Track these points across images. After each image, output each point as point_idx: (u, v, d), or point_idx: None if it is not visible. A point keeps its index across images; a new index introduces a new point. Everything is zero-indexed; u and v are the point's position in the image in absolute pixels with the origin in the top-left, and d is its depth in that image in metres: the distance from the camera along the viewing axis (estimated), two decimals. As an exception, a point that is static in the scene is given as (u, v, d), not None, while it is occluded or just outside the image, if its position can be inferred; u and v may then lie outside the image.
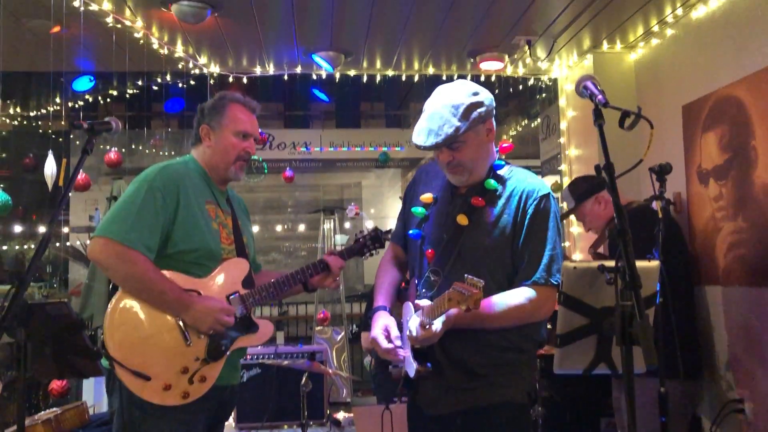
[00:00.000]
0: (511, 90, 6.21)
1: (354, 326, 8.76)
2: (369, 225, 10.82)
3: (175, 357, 2.28)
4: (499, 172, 2.27)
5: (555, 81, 5.85)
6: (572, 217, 5.37)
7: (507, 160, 2.35)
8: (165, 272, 2.30)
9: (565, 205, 3.98)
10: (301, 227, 12.07)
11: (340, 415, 5.13)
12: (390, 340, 2.21)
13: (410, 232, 2.37)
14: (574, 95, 5.49)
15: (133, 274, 2.25)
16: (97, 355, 1.94)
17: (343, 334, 7.88)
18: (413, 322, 2.09)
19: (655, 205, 2.76)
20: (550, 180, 6.12)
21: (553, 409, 4.03)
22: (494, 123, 2.26)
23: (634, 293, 1.48)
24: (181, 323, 2.29)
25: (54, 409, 3.32)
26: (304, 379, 3.70)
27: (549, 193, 2.22)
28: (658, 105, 4.56)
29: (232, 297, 2.42)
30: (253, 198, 11.32)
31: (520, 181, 2.24)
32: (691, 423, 3.80)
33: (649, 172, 2.95)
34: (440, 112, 2.15)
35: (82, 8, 3.89)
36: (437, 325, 2.01)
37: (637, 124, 1.66)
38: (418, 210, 2.35)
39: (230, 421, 4.93)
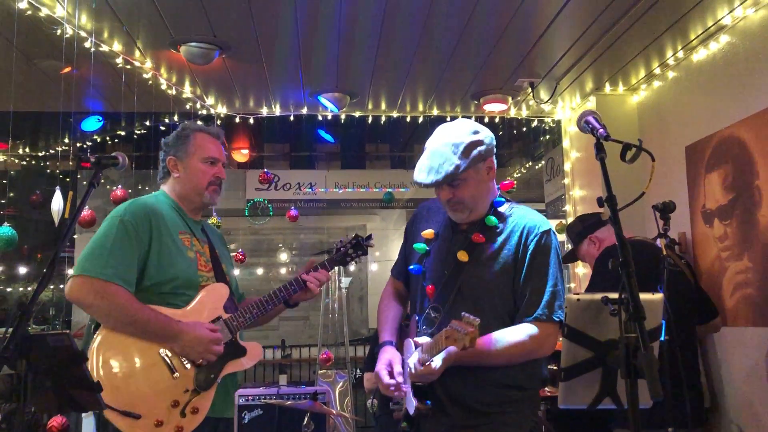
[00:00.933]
0: (514, 132, 6.27)
1: (358, 370, 8.67)
2: (374, 267, 10.81)
3: (164, 391, 2.23)
4: (499, 208, 2.28)
5: (558, 123, 5.91)
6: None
7: (508, 198, 2.36)
8: None
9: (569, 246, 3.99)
10: (308, 270, 12.00)
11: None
12: (392, 376, 2.19)
13: (411, 267, 2.37)
14: (578, 136, 5.60)
15: (114, 308, 2.22)
16: (98, 388, 1.91)
17: (346, 377, 7.79)
18: (413, 359, 2.08)
19: (660, 243, 2.75)
20: (554, 222, 6.12)
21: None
22: (495, 161, 2.28)
23: (638, 325, 1.47)
24: (164, 355, 2.25)
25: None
26: (306, 419, 3.65)
27: (550, 229, 2.22)
28: (662, 146, 4.58)
29: (215, 323, 2.37)
30: (257, 240, 11.35)
31: (521, 217, 2.25)
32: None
33: (653, 210, 2.95)
34: (441, 150, 2.17)
35: (93, 49, 3.96)
36: (437, 362, 1.99)
37: (639, 156, 1.67)
38: (420, 246, 2.35)
39: (231, 464, 4.85)
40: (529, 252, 2.17)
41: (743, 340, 3.73)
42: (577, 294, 1.62)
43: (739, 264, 3.79)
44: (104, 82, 4.66)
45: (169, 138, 2.60)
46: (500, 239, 2.21)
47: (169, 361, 2.26)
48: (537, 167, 7.66)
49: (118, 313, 2.22)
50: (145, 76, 4.57)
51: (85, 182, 7.43)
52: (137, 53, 4.34)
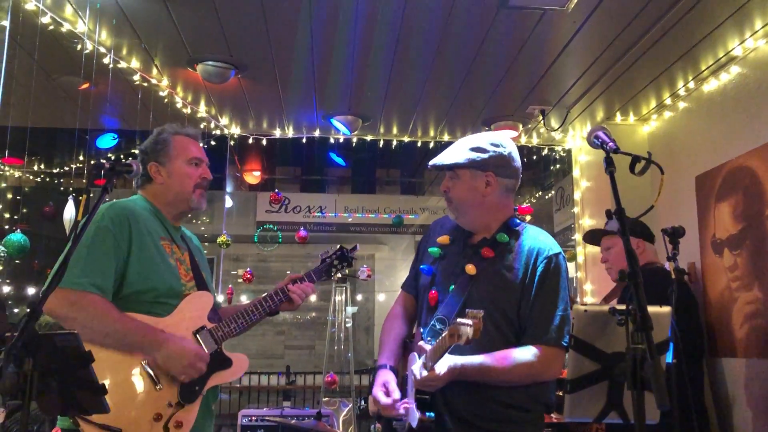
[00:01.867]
0: (525, 160, 6.24)
1: (362, 401, 8.60)
2: (381, 297, 10.78)
3: (146, 404, 2.12)
4: (512, 227, 2.27)
5: (569, 152, 5.93)
6: (583, 275, 5.35)
7: (524, 220, 2.38)
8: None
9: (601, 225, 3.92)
10: (313, 298, 12.01)
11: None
12: (388, 395, 2.18)
13: (422, 266, 2.36)
14: (589, 166, 5.61)
15: (92, 319, 2.10)
16: (102, 391, 1.89)
17: (350, 406, 7.72)
18: (417, 366, 2.06)
19: (668, 266, 2.74)
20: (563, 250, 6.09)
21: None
22: (498, 182, 2.23)
23: (645, 334, 1.46)
24: (147, 366, 2.14)
25: (54, 458, 3.25)
26: (309, 440, 3.62)
27: (560, 253, 2.21)
28: (672, 176, 4.59)
29: (200, 333, 2.29)
30: (265, 266, 11.37)
31: (532, 238, 2.24)
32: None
33: (662, 234, 2.95)
34: (457, 144, 2.29)
35: (111, 65, 4.04)
36: (441, 367, 1.98)
37: (648, 169, 1.68)
38: (435, 249, 2.36)
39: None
40: (538, 274, 2.15)
41: (753, 371, 3.68)
42: (585, 305, 1.62)
43: (749, 294, 3.77)
44: (121, 99, 4.73)
45: (146, 144, 2.48)
46: (509, 257, 2.20)
47: (152, 373, 2.14)
48: (547, 197, 7.67)
49: (97, 324, 2.10)
50: (161, 94, 4.64)
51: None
52: (154, 71, 4.42)
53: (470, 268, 2.19)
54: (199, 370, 2.21)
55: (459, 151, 2.24)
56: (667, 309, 1.64)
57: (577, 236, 5.74)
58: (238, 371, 2.35)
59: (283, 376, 10.99)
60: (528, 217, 5.73)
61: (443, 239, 2.36)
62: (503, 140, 2.26)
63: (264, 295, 2.51)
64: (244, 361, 2.38)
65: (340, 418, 7.58)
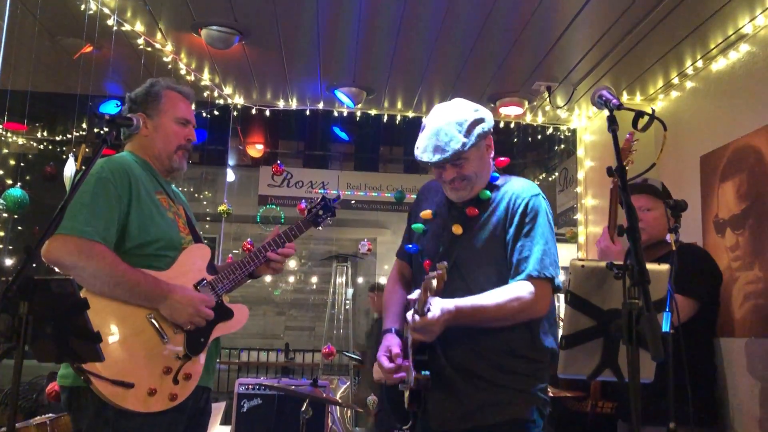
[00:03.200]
0: (529, 140, 6.26)
1: (358, 380, 8.65)
2: (382, 280, 10.77)
3: (155, 358, 2.13)
4: (493, 182, 2.32)
5: (574, 132, 5.90)
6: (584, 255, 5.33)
7: (502, 173, 2.40)
8: None
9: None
10: (314, 279, 12.07)
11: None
12: (392, 361, 2.19)
13: (408, 246, 2.42)
14: (593, 146, 5.58)
15: (102, 268, 2.09)
16: (97, 339, 1.89)
17: (348, 384, 7.76)
18: (410, 314, 2.05)
19: (669, 238, 2.72)
20: (565, 229, 6.08)
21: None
22: (491, 141, 2.31)
23: (642, 288, 1.45)
24: (153, 320, 2.15)
25: (49, 415, 3.28)
26: (304, 405, 3.62)
27: (539, 194, 2.27)
28: (677, 156, 4.56)
29: (200, 285, 2.29)
30: (267, 247, 11.38)
31: (510, 186, 2.30)
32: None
33: (665, 207, 2.93)
34: (445, 129, 2.17)
35: (115, 27, 4.01)
36: (435, 310, 1.98)
37: (651, 125, 1.66)
38: (418, 226, 2.39)
39: (227, 452, 4.82)
40: (518, 215, 2.20)
41: (751, 350, 3.67)
42: (582, 260, 1.61)
43: (749, 274, 3.75)
44: (124, 64, 4.70)
45: (137, 93, 2.44)
46: (491, 208, 2.26)
47: (157, 326, 2.15)
48: (551, 179, 7.65)
49: (105, 275, 2.10)
50: (165, 59, 4.61)
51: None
52: (159, 35, 4.39)
53: (456, 228, 2.25)
54: (207, 316, 2.22)
55: (460, 133, 2.15)
56: (665, 267, 1.63)
57: (580, 216, 5.73)
58: (240, 321, 2.37)
59: (282, 353, 11.05)
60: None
61: (425, 214, 2.38)
62: (473, 103, 2.28)
63: (253, 250, 2.50)
64: (245, 311, 2.39)
65: (337, 396, 7.61)
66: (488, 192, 2.28)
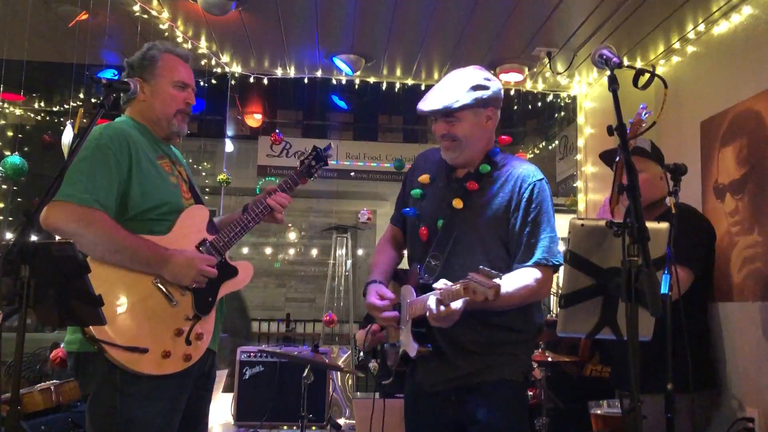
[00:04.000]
0: (530, 107, 6.23)
1: (361, 353, 8.71)
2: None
3: (165, 321, 2.15)
4: (494, 158, 2.33)
5: (574, 99, 5.86)
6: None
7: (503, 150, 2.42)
8: None
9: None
10: (314, 252, 12.10)
11: (341, 420, 5.06)
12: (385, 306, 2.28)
13: (405, 209, 2.42)
14: (594, 113, 5.55)
15: (101, 234, 2.09)
16: (98, 302, 1.90)
17: (349, 353, 7.82)
18: (432, 301, 2.04)
19: (669, 201, 2.73)
20: (564, 199, 6.09)
21: (557, 420, 3.95)
22: (498, 114, 2.33)
23: (642, 246, 1.45)
24: (159, 284, 2.16)
25: (54, 381, 3.32)
26: (306, 371, 3.66)
27: (543, 178, 2.29)
28: (677, 122, 4.53)
29: (202, 246, 2.29)
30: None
31: (515, 167, 2.31)
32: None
33: (664, 171, 2.92)
34: (449, 86, 2.25)
35: (110, -8, 3.96)
36: (457, 304, 2.01)
37: (651, 83, 1.66)
38: (416, 191, 2.39)
39: (229, 418, 4.88)
40: (524, 200, 2.22)
41: (749, 314, 3.69)
42: (581, 219, 1.61)
43: (748, 238, 3.76)
44: (119, 32, 4.66)
45: (134, 58, 2.40)
46: (494, 188, 2.26)
47: (164, 290, 2.16)
48: (550, 147, 7.63)
49: (105, 242, 2.09)
50: (161, 27, 4.56)
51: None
52: (155, 2, 4.34)
53: (457, 202, 2.25)
54: (210, 273, 2.22)
55: (459, 91, 2.20)
56: (665, 225, 1.64)
57: (579, 183, 5.72)
58: (245, 278, 2.39)
59: (283, 323, 11.13)
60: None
61: (423, 178, 2.38)
62: (488, 73, 2.33)
63: (249, 204, 2.49)
64: (249, 267, 2.41)
65: (338, 364, 7.68)
66: (488, 166, 2.28)
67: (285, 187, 2.50)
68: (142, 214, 2.21)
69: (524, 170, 2.28)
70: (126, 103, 2.42)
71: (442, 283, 2.05)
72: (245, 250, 11.70)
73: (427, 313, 2.05)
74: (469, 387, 2.18)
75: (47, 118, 7.01)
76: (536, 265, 2.15)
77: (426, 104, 2.24)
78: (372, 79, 5.60)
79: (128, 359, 2.06)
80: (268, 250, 12.02)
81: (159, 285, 2.16)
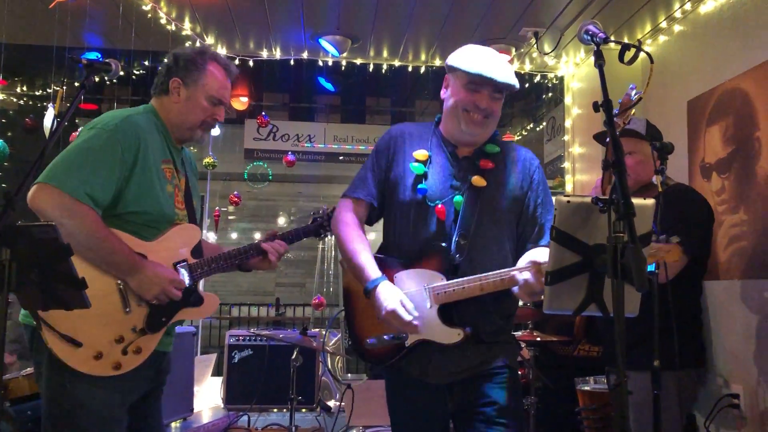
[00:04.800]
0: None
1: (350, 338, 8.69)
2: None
3: (111, 324, 2.10)
4: (497, 140, 2.33)
5: (561, 79, 5.85)
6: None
7: None
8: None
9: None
10: (303, 236, 12.07)
11: (331, 403, 5.06)
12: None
13: (420, 186, 2.20)
14: (581, 93, 5.54)
15: (81, 230, 2.05)
16: (82, 285, 1.88)
17: (339, 336, 7.83)
18: (530, 275, 1.99)
19: (655, 179, 2.73)
20: (551, 182, 6.09)
21: (545, 399, 3.97)
22: None
23: (627, 221, 1.45)
24: (122, 288, 2.11)
25: (40, 366, 3.29)
26: (294, 353, 3.66)
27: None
28: (664, 101, 4.54)
29: (180, 265, 2.24)
30: (256, 205, 11.33)
31: (515, 149, 2.34)
32: (685, 419, 3.73)
33: (651, 148, 2.93)
34: (503, 63, 2.21)
35: (90, -27, 3.90)
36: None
37: (637, 58, 1.65)
38: (419, 167, 2.22)
39: (219, 402, 4.89)
40: (535, 181, 2.27)
41: (734, 292, 3.72)
42: (568, 196, 1.60)
43: (734, 217, 3.78)
44: (102, 13, 4.59)
45: (181, 55, 2.35)
46: (507, 167, 2.26)
47: (124, 294, 2.12)
48: (538, 129, 7.62)
49: (83, 237, 2.05)
50: (144, 8, 4.50)
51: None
52: (136, -18, 4.28)
53: (479, 180, 2.20)
54: (174, 296, 2.17)
55: (512, 73, 2.21)
56: (650, 201, 1.63)
57: (567, 164, 5.72)
58: (208, 311, 2.32)
59: (273, 308, 11.12)
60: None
61: (421, 155, 2.24)
62: None
63: (245, 246, 2.44)
64: (215, 301, 2.35)
65: (328, 347, 7.69)
66: (496, 147, 2.27)
67: (288, 238, 2.47)
68: (129, 215, 2.17)
69: (526, 152, 2.33)
70: (156, 95, 2.36)
71: (526, 261, 2.03)
72: (234, 236, 11.67)
73: (527, 288, 1.99)
74: (474, 376, 2.16)
75: (30, 102, 6.92)
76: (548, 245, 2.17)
77: (498, 74, 2.13)
78: (359, 61, 5.56)
79: (60, 348, 2.04)
80: (258, 236, 11.99)
81: (120, 288, 2.12)
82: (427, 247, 2.18)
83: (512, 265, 2.11)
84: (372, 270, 2.17)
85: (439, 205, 2.18)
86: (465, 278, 2.09)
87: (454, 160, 2.25)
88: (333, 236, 2.40)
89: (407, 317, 2.06)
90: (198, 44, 5.19)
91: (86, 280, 2.00)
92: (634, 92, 2.49)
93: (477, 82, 2.16)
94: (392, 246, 2.27)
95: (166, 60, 2.39)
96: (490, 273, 2.06)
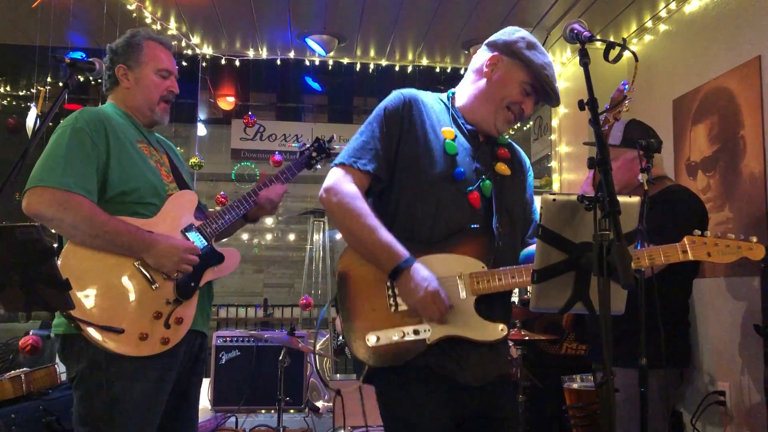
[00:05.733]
0: (504, 88, 6.21)
1: (340, 337, 8.69)
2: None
3: (145, 303, 2.12)
4: None
5: (548, 78, 5.86)
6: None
7: None
8: None
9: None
10: (291, 236, 12.05)
11: (319, 403, 5.05)
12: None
13: (458, 169, 1.96)
14: (567, 93, 5.55)
15: (82, 219, 2.07)
16: (65, 286, 1.86)
17: (327, 337, 7.81)
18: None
19: (641, 178, 2.73)
20: (538, 182, 6.10)
21: (534, 398, 3.98)
22: None
23: (613, 219, 1.45)
24: (140, 267, 2.13)
25: (24, 369, 3.26)
26: (282, 354, 3.64)
27: None
28: (649, 100, 4.56)
29: (188, 231, 2.27)
30: (243, 205, 11.29)
31: (515, 146, 2.22)
32: (671, 416, 3.74)
33: (636, 146, 2.93)
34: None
35: (74, -28, 3.86)
36: None
37: (622, 56, 1.65)
38: (451, 145, 1.97)
39: (206, 404, 4.86)
40: (531, 176, 2.21)
41: (719, 290, 3.75)
42: (553, 194, 1.60)
43: (720, 215, 3.80)
44: (86, 13, 4.54)
45: (118, 44, 2.37)
46: (515, 159, 2.14)
47: (146, 273, 2.14)
48: (525, 128, 7.63)
49: (86, 226, 2.07)
50: (129, 7, 4.47)
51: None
52: (121, -19, 4.25)
53: (504, 168, 2.04)
54: (192, 262, 2.20)
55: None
56: (636, 199, 1.63)
57: (554, 164, 5.74)
58: (232, 265, 2.35)
59: (260, 308, 11.08)
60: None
61: (449, 133, 2.00)
62: None
63: (244, 194, 2.47)
64: (236, 254, 2.38)
65: (316, 347, 7.67)
66: (506, 139, 2.16)
67: (281, 178, 2.49)
68: (120, 196, 2.18)
69: (521, 151, 2.23)
70: (109, 90, 2.39)
71: None
72: (222, 236, 11.62)
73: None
74: (495, 381, 1.98)
75: (14, 103, 6.86)
76: None
77: (556, 89, 2.03)
78: (346, 60, 5.55)
79: (105, 339, 2.05)
80: (246, 236, 11.96)
81: (140, 267, 2.14)
82: (462, 232, 1.93)
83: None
84: (401, 247, 1.86)
85: (473, 192, 1.96)
86: (510, 267, 1.90)
87: (476, 143, 2.04)
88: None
89: (447, 303, 1.83)
90: (184, 44, 5.16)
91: (104, 267, 2.11)
92: (626, 88, 2.50)
93: (536, 89, 2.00)
94: (402, 229, 1.93)
95: (105, 57, 2.40)
96: (528, 266, 1.86)
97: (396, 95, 2.04)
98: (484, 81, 2.04)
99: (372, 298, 1.90)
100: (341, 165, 1.98)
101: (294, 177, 2.54)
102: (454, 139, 1.99)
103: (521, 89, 2.00)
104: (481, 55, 2.10)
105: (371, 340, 1.85)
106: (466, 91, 2.09)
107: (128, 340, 2.08)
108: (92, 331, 2.05)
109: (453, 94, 2.14)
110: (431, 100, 2.08)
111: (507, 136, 2.23)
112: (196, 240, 2.27)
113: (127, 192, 2.19)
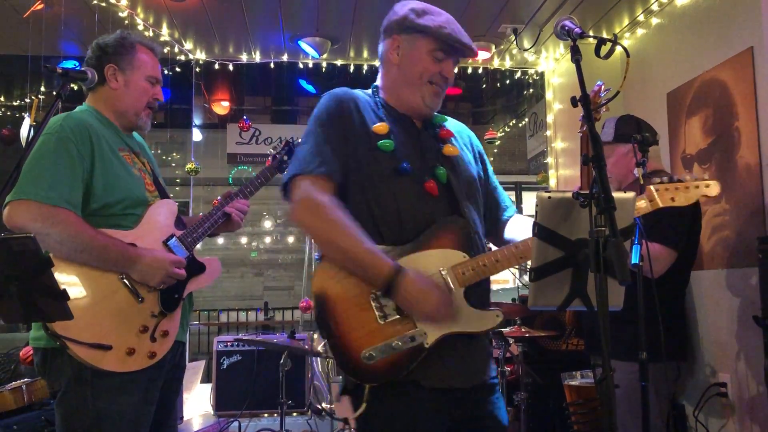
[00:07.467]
0: (498, 85, 6.23)
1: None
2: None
3: (130, 318, 2.10)
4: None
5: (542, 75, 5.87)
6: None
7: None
8: None
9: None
10: (290, 239, 12.04)
11: (323, 405, 5.04)
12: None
13: (403, 164, 1.88)
14: (561, 88, 5.56)
15: (66, 234, 2.03)
16: (63, 296, 1.85)
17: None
18: None
19: (637, 172, 2.74)
20: (534, 177, 6.11)
21: (535, 394, 3.98)
22: None
23: (608, 215, 1.45)
24: (126, 281, 2.11)
25: (25, 379, 3.26)
26: (283, 357, 3.64)
27: None
28: (643, 95, 4.57)
29: (170, 241, 2.25)
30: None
31: (451, 120, 2.13)
32: (672, 409, 3.75)
33: (631, 141, 2.94)
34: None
35: (65, -19, 3.86)
36: None
37: (613, 52, 1.65)
38: (387, 143, 1.89)
39: (209, 409, 4.85)
40: (480, 151, 2.16)
41: (718, 282, 3.75)
42: (549, 192, 1.60)
43: (717, 207, 3.81)
44: (77, 21, 4.54)
45: (108, 42, 2.32)
46: (457, 138, 2.08)
47: (131, 287, 2.11)
48: (520, 125, 7.64)
49: (72, 241, 2.04)
50: (120, 15, 4.46)
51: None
52: (112, -11, 4.24)
53: (451, 150, 1.99)
54: (178, 276, 2.19)
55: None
56: (631, 194, 1.63)
57: (550, 159, 5.74)
58: (213, 274, 2.35)
59: (261, 312, 11.07)
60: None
61: (382, 128, 1.91)
62: None
63: (220, 200, 2.48)
64: (216, 264, 2.38)
65: (318, 349, 7.66)
66: (444, 117, 2.08)
67: (257, 183, 2.49)
68: (104, 208, 2.15)
69: (462, 125, 2.17)
70: (91, 88, 2.33)
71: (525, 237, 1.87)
72: (221, 240, 11.61)
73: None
74: (482, 383, 1.92)
75: (8, 113, 6.85)
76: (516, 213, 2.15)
77: (466, 38, 1.93)
78: (339, 62, 5.55)
79: (92, 356, 2.02)
80: (244, 240, 11.95)
81: (125, 282, 2.11)
82: (433, 225, 1.86)
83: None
84: (385, 256, 1.77)
85: (429, 181, 1.89)
86: (491, 251, 1.88)
87: (415, 131, 1.99)
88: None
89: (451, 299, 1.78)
90: (177, 49, 5.15)
91: (89, 283, 2.06)
92: (602, 90, 2.50)
93: (447, 50, 1.92)
94: (369, 233, 1.82)
95: (90, 53, 2.36)
96: (508, 246, 1.87)
97: (329, 97, 1.96)
98: (395, 68, 1.98)
99: (358, 314, 1.78)
100: (301, 176, 1.85)
101: (267, 181, 2.53)
102: (388, 135, 1.91)
103: (432, 58, 1.93)
104: (383, 45, 2.04)
105: (367, 357, 1.73)
106: (385, 84, 2.02)
107: (116, 356, 2.05)
108: (78, 349, 2.00)
109: (377, 87, 2.05)
110: (362, 96, 1.99)
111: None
112: (178, 250, 2.26)
113: (111, 204, 2.16)
